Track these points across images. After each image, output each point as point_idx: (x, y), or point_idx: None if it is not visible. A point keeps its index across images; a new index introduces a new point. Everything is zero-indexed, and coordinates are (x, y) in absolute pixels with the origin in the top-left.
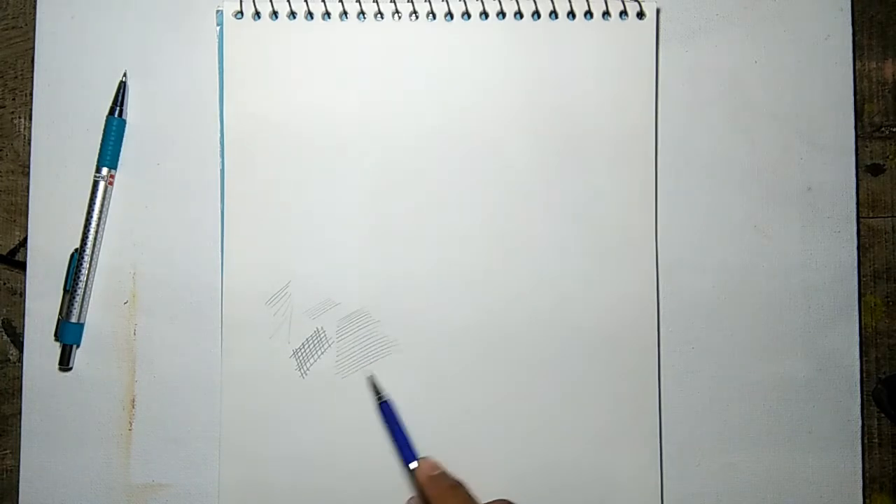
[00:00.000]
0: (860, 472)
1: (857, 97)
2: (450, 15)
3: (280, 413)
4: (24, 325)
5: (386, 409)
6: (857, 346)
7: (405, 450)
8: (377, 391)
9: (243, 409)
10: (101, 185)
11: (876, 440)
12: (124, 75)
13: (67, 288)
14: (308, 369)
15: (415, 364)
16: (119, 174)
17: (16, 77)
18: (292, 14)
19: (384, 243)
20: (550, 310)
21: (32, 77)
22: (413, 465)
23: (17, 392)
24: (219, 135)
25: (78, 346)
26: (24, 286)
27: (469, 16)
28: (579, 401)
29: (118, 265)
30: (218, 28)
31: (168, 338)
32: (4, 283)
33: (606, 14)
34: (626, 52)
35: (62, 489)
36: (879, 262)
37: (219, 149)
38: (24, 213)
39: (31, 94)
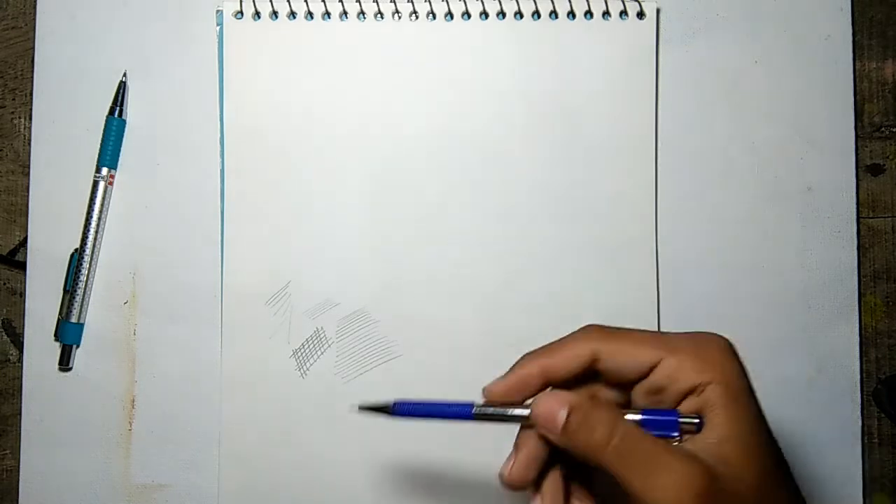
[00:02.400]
0: (860, 472)
1: (857, 97)
2: (450, 15)
3: (280, 413)
4: (24, 325)
5: (401, 409)
6: (857, 346)
7: (457, 408)
8: (378, 407)
9: (243, 409)
10: (101, 185)
11: (876, 440)
12: (124, 75)
13: (67, 288)
14: (308, 369)
15: (414, 364)
16: (119, 174)
17: (16, 77)
18: (292, 14)
19: (384, 243)
20: (551, 310)
21: (32, 77)
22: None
23: (17, 392)
24: (219, 135)
25: (78, 346)
26: (24, 286)
27: (469, 16)
28: None
29: (118, 265)
30: (218, 28)
31: (168, 338)
32: (4, 283)
33: (606, 14)
34: (626, 52)
35: (62, 489)
36: (879, 262)
37: (219, 149)
38: (24, 213)
39: (31, 94)
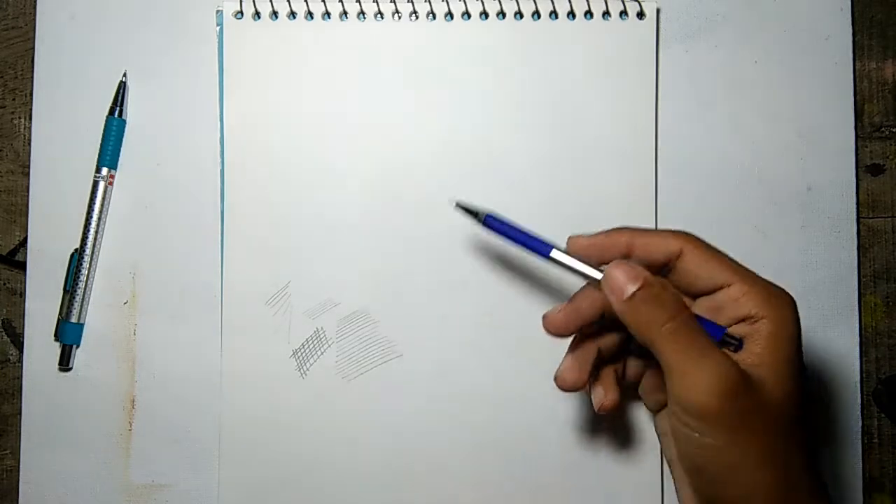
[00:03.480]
0: (860, 472)
1: (857, 97)
2: (450, 15)
3: (280, 413)
4: (24, 325)
5: (491, 222)
6: (857, 346)
7: (538, 243)
8: (473, 211)
9: (243, 409)
10: (101, 185)
11: (876, 440)
12: (124, 75)
13: (67, 288)
14: (308, 369)
15: (414, 364)
16: (119, 174)
17: (16, 77)
18: (292, 14)
19: (384, 243)
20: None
21: (32, 77)
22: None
23: (17, 392)
24: (219, 135)
25: (78, 346)
26: (24, 286)
27: (469, 16)
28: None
29: (118, 265)
30: (218, 28)
31: (168, 338)
32: (4, 283)
33: (606, 14)
34: (626, 52)
35: (62, 489)
36: (879, 262)
37: (219, 149)
38: (24, 213)
39: (31, 94)
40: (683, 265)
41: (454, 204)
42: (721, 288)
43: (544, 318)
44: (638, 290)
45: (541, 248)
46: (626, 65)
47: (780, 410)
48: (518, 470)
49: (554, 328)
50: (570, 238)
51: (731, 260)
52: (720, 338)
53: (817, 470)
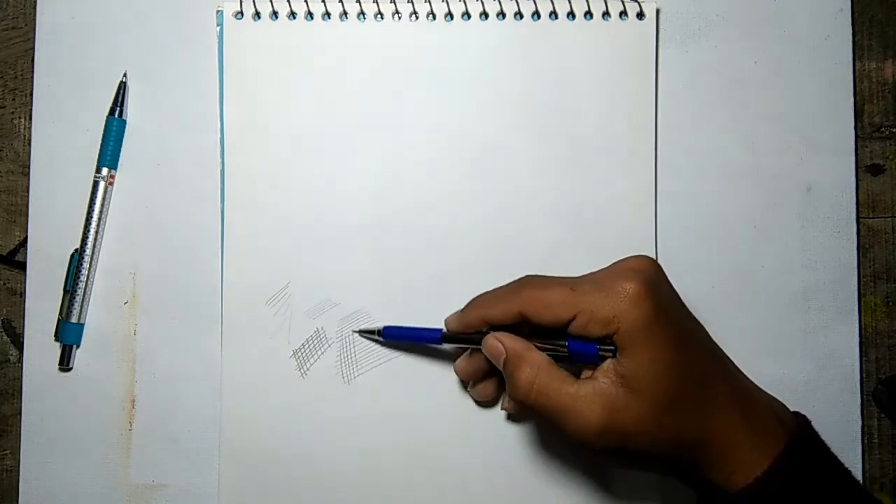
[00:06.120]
0: (860, 472)
1: (857, 97)
2: (450, 15)
3: (280, 413)
4: (24, 325)
5: (389, 332)
6: (857, 346)
7: (429, 333)
8: (370, 332)
9: (243, 409)
10: (101, 185)
11: (876, 440)
12: (124, 75)
13: (67, 288)
14: (308, 369)
15: (414, 364)
16: (119, 174)
17: (16, 77)
18: (292, 14)
19: (384, 243)
20: None
21: (32, 77)
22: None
23: (17, 392)
24: (219, 135)
25: (78, 346)
26: (24, 286)
27: (469, 16)
28: None
29: (118, 265)
30: (218, 28)
31: (168, 338)
32: (4, 283)
33: (606, 14)
34: (626, 52)
35: (62, 489)
36: (879, 262)
37: (219, 149)
38: (24, 213)
39: (31, 94)
40: (531, 320)
41: (357, 332)
42: (571, 320)
43: (455, 369)
44: (504, 361)
45: (432, 336)
46: (626, 65)
47: (653, 412)
48: (520, 467)
49: (464, 376)
50: (445, 319)
51: (564, 290)
52: (597, 353)
53: (759, 397)
